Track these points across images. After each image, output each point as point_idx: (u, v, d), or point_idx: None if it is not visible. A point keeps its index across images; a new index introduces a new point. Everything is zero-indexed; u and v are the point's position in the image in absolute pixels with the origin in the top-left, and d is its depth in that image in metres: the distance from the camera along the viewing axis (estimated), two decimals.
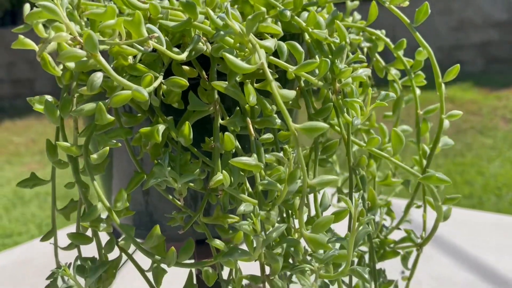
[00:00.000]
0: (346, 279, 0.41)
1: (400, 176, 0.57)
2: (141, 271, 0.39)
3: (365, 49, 0.51)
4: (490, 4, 6.27)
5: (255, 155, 0.36)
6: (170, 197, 0.41)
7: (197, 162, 0.39)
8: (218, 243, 0.37)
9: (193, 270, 0.44)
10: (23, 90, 6.49)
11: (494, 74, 6.06)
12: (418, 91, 0.50)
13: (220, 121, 0.38)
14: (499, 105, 4.73)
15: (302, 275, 0.35)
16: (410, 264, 0.52)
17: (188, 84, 0.37)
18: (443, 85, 0.45)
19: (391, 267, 0.56)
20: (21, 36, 0.42)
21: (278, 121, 0.38)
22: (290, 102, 0.40)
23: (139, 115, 0.40)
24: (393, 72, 0.52)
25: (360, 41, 0.48)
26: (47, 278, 0.36)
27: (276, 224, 0.34)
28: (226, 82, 0.37)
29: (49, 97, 0.38)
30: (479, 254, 0.91)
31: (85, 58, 0.34)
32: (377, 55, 0.51)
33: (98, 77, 0.33)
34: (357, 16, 0.52)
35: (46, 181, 0.43)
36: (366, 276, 0.34)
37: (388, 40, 0.50)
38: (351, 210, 0.34)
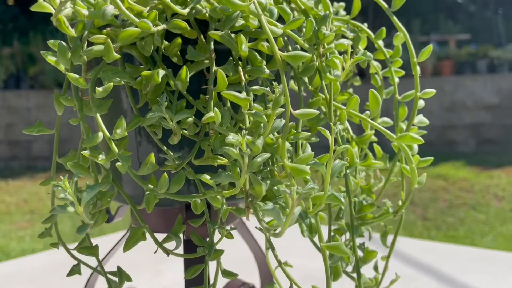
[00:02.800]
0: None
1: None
2: (133, 206, 0.42)
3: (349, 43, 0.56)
4: (480, 88, 6.51)
5: (244, 92, 0.40)
6: (165, 148, 0.44)
7: (191, 110, 0.43)
8: (206, 177, 0.40)
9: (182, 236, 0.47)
10: (20, 152, 6.54)
11: (486, 155, 6.18)
12: (397, 79, 0.55)
13: (215, 67, 0.42)
14: (491, 184, 4.78)
15: (282, 207, 0.37)
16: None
17: (186, 25, 0.41)
18: (417, 65, 0.50)
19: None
20: (40, 0, 0.47)
21: (267, 71, 0.42)
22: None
23: (141, 66, 0.44)
24: (375, 64, 0.57)
25: (345, 33, 0.53)
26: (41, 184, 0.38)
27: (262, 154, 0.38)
28: (222, 31, 0.41)
29: (62, 43, 0.43)
30: None
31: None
32: (359, 47, 0.56)
33: (110, 8, 0.38)
34: (342, 12, 0.58)
35: (50, 130, 0.47)
36: (342, 200, 0.36)
37: (370, 32, 0.55)
38: (328, 139, 0.37)
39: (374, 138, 0.58)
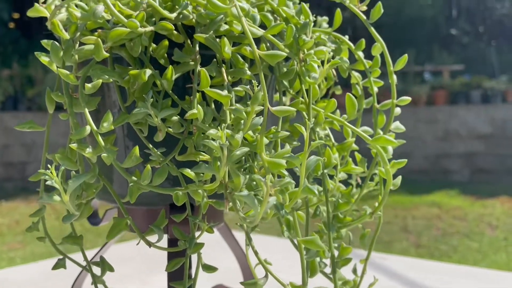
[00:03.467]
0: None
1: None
2: (118, 198, 0.43)
3: (331, 53, 0.59)
4: (474, 118, 6.58)
5: (226, 90, 0.42)
6: (150, 145, 0.46)
7: (176, 109, 0.45)
8: (187, 171, 0.42)
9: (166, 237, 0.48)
10: (15, 174, 6.52)
11: (480, 184, 6.21)
12: (375, 89, 0.58)
13: (199, 67, 0.45)
14: (485, 213, 4.79)
15: (257, 197, 0.39)
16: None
17: (172, 27, 0.44)
18: (393, 74, 0.53)
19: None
20: (36, 4, 0.50)
21: (248, 72, 0.45)
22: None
23: (130, 67, 0.47)
24: (356, 74, 0.59)
25: (325, 41, 0.56)
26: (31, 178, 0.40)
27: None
28: (207, 34, 0.44)
29: (55, 43, 0.45)
30: None
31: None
32: (347, 61, 0.59)
33: (100, 8, 0.40)
34: (325, 24, 0.61)
35: (40, 127, 0.49)
36: (316, 192, 0.38)
37: (351, 44, 0.58)
38: (304, 133, 0.39)
39: (355, 146, 0.60)
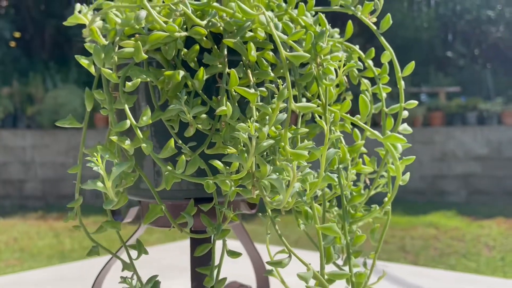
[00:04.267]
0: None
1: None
2: (152, 187, 0.48)
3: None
4: (470, 139, 6.65)
5: (252, 89, 0.47)
6: (180, 141, 0.50)
7: (206, 107, 0.50)
8: (217, 162, 0.47)
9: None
10: (13, 191, 6.53)
11: (477, 205, 6.25)
12: (384, 94, 0.62)
13: (227, 70, 0.49)
14: (482, 233, 4.82)
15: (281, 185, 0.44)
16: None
17: (205, 32, 0.49)
18: (401, 79, 0.58)
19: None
20: (76, 12, 0.54)
21: (272, 74, 0.49)
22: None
23: (163, 69, 0.51)
24: (365, 81, 0.64)
25: (339, 48, 0.61)
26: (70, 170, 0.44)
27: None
28: (235, 39, 0.49)
29: (98, 45, 0.50)
30: None
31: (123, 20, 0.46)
32: (360, 64, 0.64)
33: (143, 13, 0.45)
34: (336, 35, 0.66)
35: (79, 124, 0.53)
36: (336, 179, 0.43)
37: (361, 52, 0.63)
38: (324, 127, 0.44)
39: (364, 149, 0.64)
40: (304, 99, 0.54)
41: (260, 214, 0.50)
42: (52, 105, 6.54)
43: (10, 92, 7.12)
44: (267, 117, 0.47)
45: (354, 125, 0.62)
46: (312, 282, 0.51)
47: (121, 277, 0.47)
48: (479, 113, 6.83)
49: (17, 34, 8.89)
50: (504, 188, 6.58)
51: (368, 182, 0.66)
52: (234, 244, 0.76)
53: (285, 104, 0.46)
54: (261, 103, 0.45)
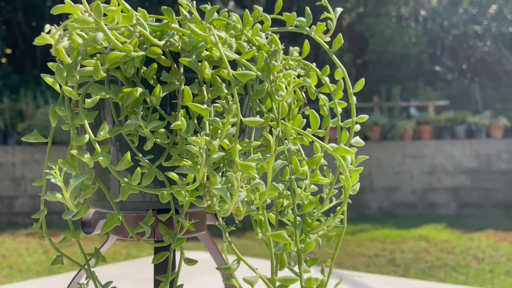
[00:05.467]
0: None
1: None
2: (111, 198, 0.50)
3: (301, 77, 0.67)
4: (459, 152, 6.71)
5: (205, 105, 0.50)
6: (140, 154, 0.53)
7: (163, 122, 0.53)
8: (172, 173, 0.50)
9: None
10: (1, 208, 6.50)
11: (467, 218, 6.29)
12: (339, 109, 0.66)
13: (183, 86, 0.52)
14: (472, 246, 4.86)
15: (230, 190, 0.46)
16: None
17: (160, 52, 0.52)
18: (353, 95, 0.61)
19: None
20: (43, 33, 0.57)
21: (226, 91, 0.53)
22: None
23: (123, 86, 0.54)
24: (323, 97, 0.67)
25: (294, 66, 0.64)
26: (35, 184, 0.47)
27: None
28: (190, 58, 0.52)
29: (60, 65, 0.53)
30: None
31: (85, 38, 0.49)
32: (310, 82, 0.67)
33: (100, 35, 0.48)
34: (295, 53, 0.69)
35: (44, 139, 0.56)
36: (280, 189, 0.46)
37: (318, 70, 0.66)
38: (270, 139, 0.47)
39: (324, 161, 0.67)
40: (258, 116, 0.57)
41: (216, 223, 0.52)
42: (43, 122, 6.54)
43: (0, 108, 7.12)
44: (219, 131, 0.50)
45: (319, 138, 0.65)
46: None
47: (78, 283, 0.50)
48: (467, 127, 6.90)
49: (8, 51, 8.93)
50: (493, 200, 6.63)
51: (327, 192, 0.69)
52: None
53: (235, 119, 0.49)
54: (212, 118, 0.48)
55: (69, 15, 0.55)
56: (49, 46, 0.57)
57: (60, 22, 0.58)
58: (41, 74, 0.55)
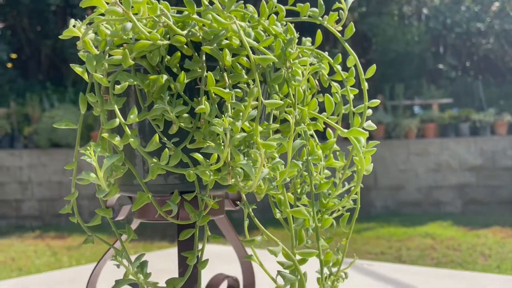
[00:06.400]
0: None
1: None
2: (140, 179, 0.54)
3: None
4: (464, 150, 6.72)
5: (227, 89, 0.53)
6: (165, 138, 0.56)
7: (187, 107, 0.56)
8: (197, 154, 0.53)
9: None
10: (9, 211, 6.55)
11: (473, 215, 6.31)
12: (351, 95, 0.69)
13: (206, 73, 0.56)
14: (478, 242, 4.87)
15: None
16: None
17: (185, 40, 0.55)
18: (365, 81, 0.64)
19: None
20: (70, 26, 0.61)
21: (245, 76, 0.56)
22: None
23: (148, 74, 0.58)
24: (335, 84, 0.71)
25: (307, 54, 0.68)
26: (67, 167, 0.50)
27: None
28: (212, 46, 0.55)
29: (90, 54, 0.56)
30: None
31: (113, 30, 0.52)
32: (324, 67, 0.70)
33: (129, 25, 0.51)
34: (308, 43, 0.72)
35: (74, 125, 0.59)
36: (300, 165, 0.49)
37: (330, 58, 0.69)
38: (290, 120, 0.50)
39: (337, 147, 0.71)
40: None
41: (238, 202, 0.56)
42: (49, 125, 6.60)
43: (7, 112, 7.18)
44: (241, 113, 0.53)
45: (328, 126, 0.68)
46: (287, 264, 0.57)
47: (112, 256, 0.53)
48: (472, 124, 6.91)
49: (13, 55, 9.00)
50: (499, 197, 6.63)
51: (341, 176, 0.72)
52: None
53: (257, 102, 0.52)
54: (234, 101, 0.52)
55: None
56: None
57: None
58: (71, 65, 0.58)
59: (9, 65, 8.83)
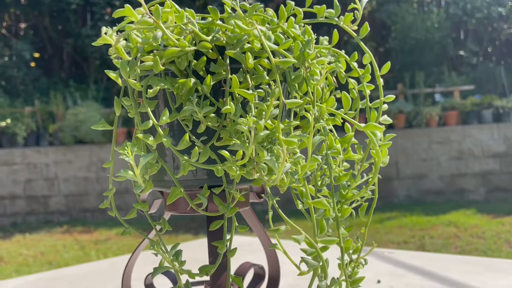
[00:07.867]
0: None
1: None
2: (172, 174, 0.58)
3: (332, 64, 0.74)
4: (487, 137, 6.65)
5: (250, 90, 0.57)
6: (193, 137, 0.61)
7: (214, 108, 0.60)
8: (224, 151, 0.57)
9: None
10: (37, 207, 6.72)
11: (497, 202, 6.26)
12: (368, 91, 0.72)
13: (230, 76, 0.60)
14: (502, 230, 4.84)
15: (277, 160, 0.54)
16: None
17: (210, 46, 0.60)
18: (380, 77, 0.68)
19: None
20: (103, 34, 0.65)
21: (267, 78, 0.60)
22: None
23: (177, 78, 0.62)
24: (352, 81, 0.74)
25: (325, 54, 0.71)
26: (106, 166, 0.55)
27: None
28: (235, 50, 0.60)
29: (124, 61, 0.61)
30: None
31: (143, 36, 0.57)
32: (341, 66, 0.74)
33: (160, 34, 0.56)
34: (325, 42, 0.76)
35: (110, 126, 0.64)
36: (320, 160, 0.53)
37: (347, 56, 0.73)
38: (309, 118, 0.54)
39: (355, 140, 0.74)
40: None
41: (263, 195, 0.60)
42: (73, 122, 6.74)
43: (32, 111, 7.34)
44: (264, 112, 0.57)
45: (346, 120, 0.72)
46: (310, 251, 0.61)
47: (151, 243, 0.58)
48: (494, 110, 6.83)
49: (36, 55, 9.18)
50: None
51: (359, 168, 0.76)
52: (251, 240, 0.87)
53: (278, 102, 0.56)
54: (257, 101, 0.56)
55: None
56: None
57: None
58: (106, 71, 0.63)
59: (32, 64, 9.01)
